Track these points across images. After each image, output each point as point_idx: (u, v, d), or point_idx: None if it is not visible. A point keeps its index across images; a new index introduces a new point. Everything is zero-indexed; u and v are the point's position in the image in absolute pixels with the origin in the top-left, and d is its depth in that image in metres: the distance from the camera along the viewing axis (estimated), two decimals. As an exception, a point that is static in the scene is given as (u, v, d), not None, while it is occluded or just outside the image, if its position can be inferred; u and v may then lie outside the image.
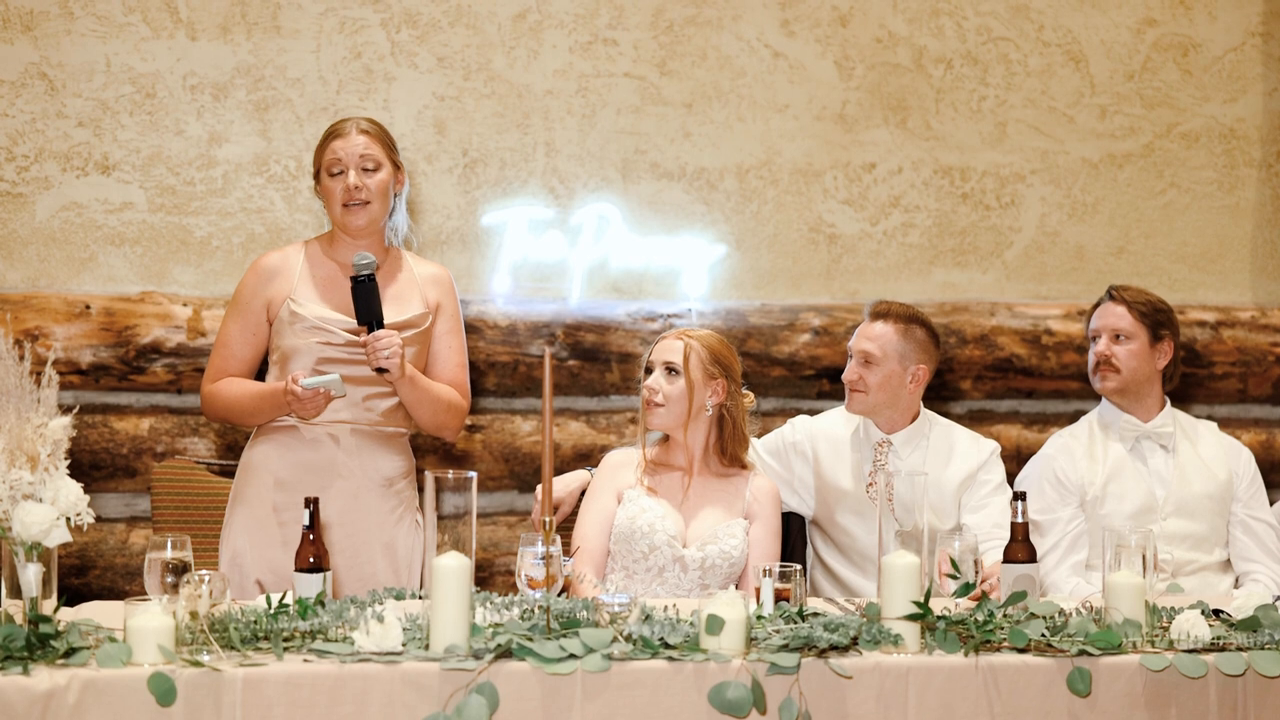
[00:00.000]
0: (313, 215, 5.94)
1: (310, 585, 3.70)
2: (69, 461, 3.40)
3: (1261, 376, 6.58)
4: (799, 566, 3.83)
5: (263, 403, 4.40)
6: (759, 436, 5.05)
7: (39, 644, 3.21)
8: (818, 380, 6.26)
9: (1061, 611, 3.74)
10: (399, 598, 3.78)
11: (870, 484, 4.92)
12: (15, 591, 3.33)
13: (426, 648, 3.34)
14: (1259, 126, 6.66)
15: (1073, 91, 6.52)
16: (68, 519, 3.32)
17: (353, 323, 4.39)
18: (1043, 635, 3.58)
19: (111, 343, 5.80)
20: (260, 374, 4.56)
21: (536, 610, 3.52)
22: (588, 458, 5.89)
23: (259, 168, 5.98)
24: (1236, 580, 5.05)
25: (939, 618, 3.59)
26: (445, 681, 3.28)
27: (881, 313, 4.97)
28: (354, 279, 4.35)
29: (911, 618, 3.54)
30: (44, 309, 5.78)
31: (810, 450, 5.04)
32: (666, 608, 3.63)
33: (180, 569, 3.48)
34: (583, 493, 4.78)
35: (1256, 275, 6.67)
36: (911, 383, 4.94)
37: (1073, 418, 5.44)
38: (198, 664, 3.23)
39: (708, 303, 6.22)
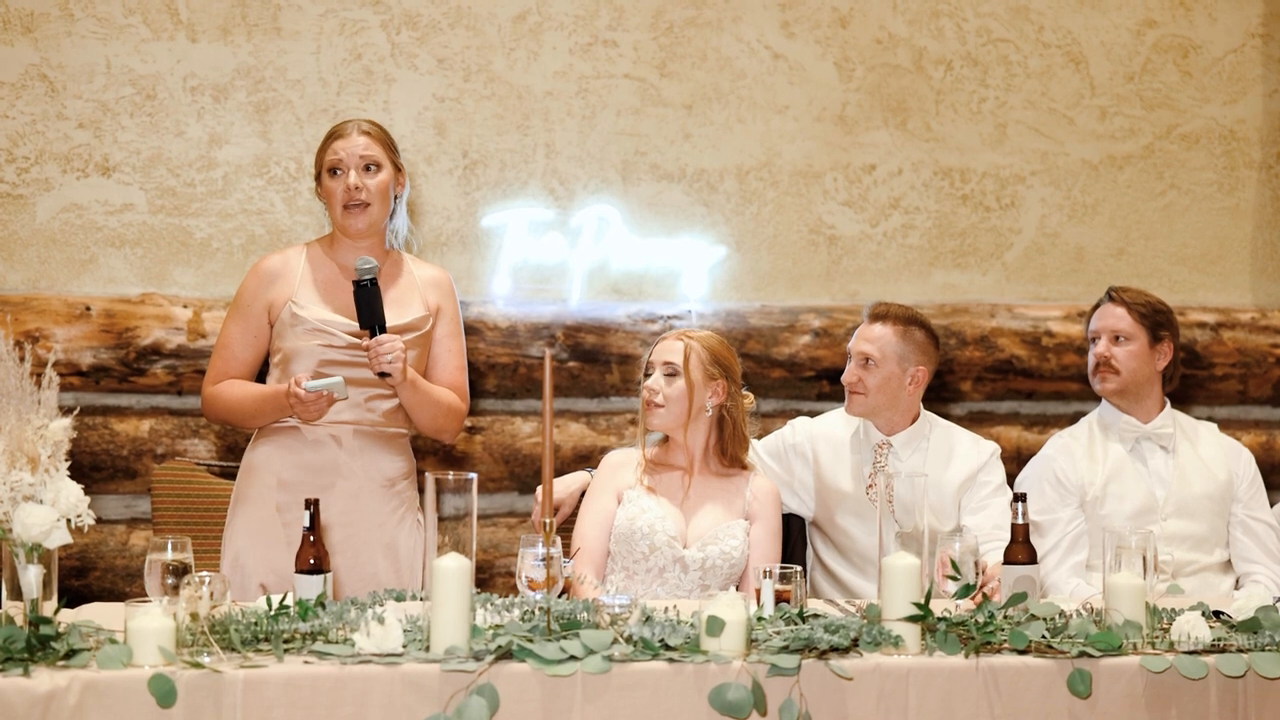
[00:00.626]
0: (313, 217, 5.94)
1: (311, 587, 3.70)
2: (69, 463, 3.40)
3: (1261, 378, 6.58)
4: (799, 568, 3.83)
5: (264, 405, 4.41)
6: (759, 438, 5.05)
7: (39, 645, 3.21)
8: (818, 382, 6.26)
9: (1062, 613, 3.74)
10: (399, 599, 3.78)
11: (870, 485, 4.92)
12: (16, 593, 3.33)
13: (427, 649, 3.34)
14: (1259, 128, 6.66)
15: (1073, 93, 6.52)
16: (68, 520, 3.32)
17: (354, 325, 4.40)
18: (1043, 637, 3.58)
19: (112, 344, 5.80)
20: (261, 376, 4.56)
21: (537, 611, 3.52)
22: (588, 459, 5.89)
23: (259, 169, 5.98)
24: (1237, 581, 5.05)
25: (939, 619, 3.59)
26: (445, 683, 3.28)
27: (880, 314, 4.97)
28: (356, 283, 4.34)
29: (912, 619, 3.54)
30: (44, 310, 5.78)
31: (810, 452, 5.04)
32: (667, 609, 3.63)
33: (181, 570, 3.48)
34: (583, 494, 4.78)
35: (1256, 276, 6.68)
36: (911, 384, 4.94)
37: (1073, 419, 5.44)
38: (198, 665, 3.23)
39: (708, 304, 6.22)
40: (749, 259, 6.31)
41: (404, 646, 3.34)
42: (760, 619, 3.63)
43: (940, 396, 6.21)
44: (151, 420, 5.88)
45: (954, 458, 4.98)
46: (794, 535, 4.99)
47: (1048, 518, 4.97)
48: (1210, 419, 5.54)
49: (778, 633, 3.52)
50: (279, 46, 5.99)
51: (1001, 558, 4.05)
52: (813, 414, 5.25)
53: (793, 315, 6.26)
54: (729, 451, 4.66)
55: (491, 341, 6.04)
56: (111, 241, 5.91)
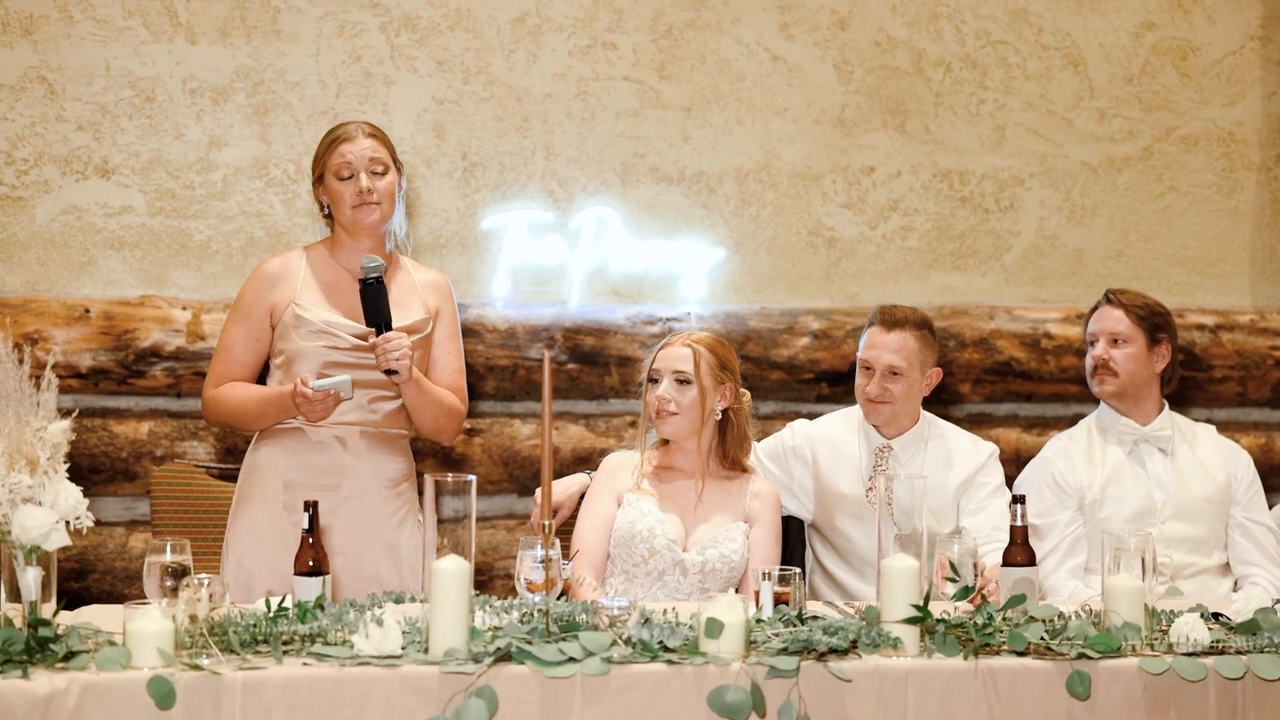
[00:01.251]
0: (312, 219, 5.94)
1: (309, 588, 3.70)
2: (68, 465, 3.40)
3: (1260, 380, 6.58)
4: (798, 570, 3.83)
5: (268, 406, 4.41)
6: (758, 440, 5.05)
7: (38, 647, 3.21)
8: (816, 384, 6.26)
9: (1061, 615, 3.74)
10: (398, 601, 3.78)
11: (870, 489, 4.92)
12: (15, 595, 3.33)
13: (426, 651, 3.34)
14: (1258, 130, 6.66)
15: (1071, 95, 6.53)
16: (67, 522, 3.32)
17: (358, 326, 4.40)
18: (1042, 638, 3.58)
19: (111, 346, 5.80)
20: (260, 379, 4.56)
21: (536, 613, 3.52)
22: (587, 461, 5.89)
23: (258, 171, 5.98)
24: (1235, 583, 5.05)
25: (938, 621, 3.60)
26: (444, 685, 3.28)
27: (898, 321, 4.92)
28: (363, 281, 4.35)
29: (911, 621, 3.54)
30: (43, 313, 5.78)
31: (810, 454, 5.04)
32: (666, 611, 3.64)
33: (180, 572, 3.48)
34: (582, 496, 4.78)
35: (1255, 278, 6.68)
36: (926, 387, 4.96)
37: (1072, 421, 5.44)
38: (197, 667, 3.23)
39: (707, 306, 6.22)
40: (748, 261, 6.31)
41: (403, 648, 3.34)
42: (759, 621, 3.63)
43: (939, 398, 6.20)
44: (151, 422, 5.88)
45: (953, 459, 4.99)
46: (793, 537, 4.99)
47: (1046, 520, 4.97)
48: (1209, 421, 5.54)
49: (776, 635, 3.52)
50: (278, 49, 5.99)
51: (1000, 559, 4.05)
52: (811, 416, 5.25)
53: (792, 317, 6.27)
54: (730, 455, 4.66)
55: (490, 343, 6.04)
56: (111, 244, 5.91)
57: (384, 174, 4.49)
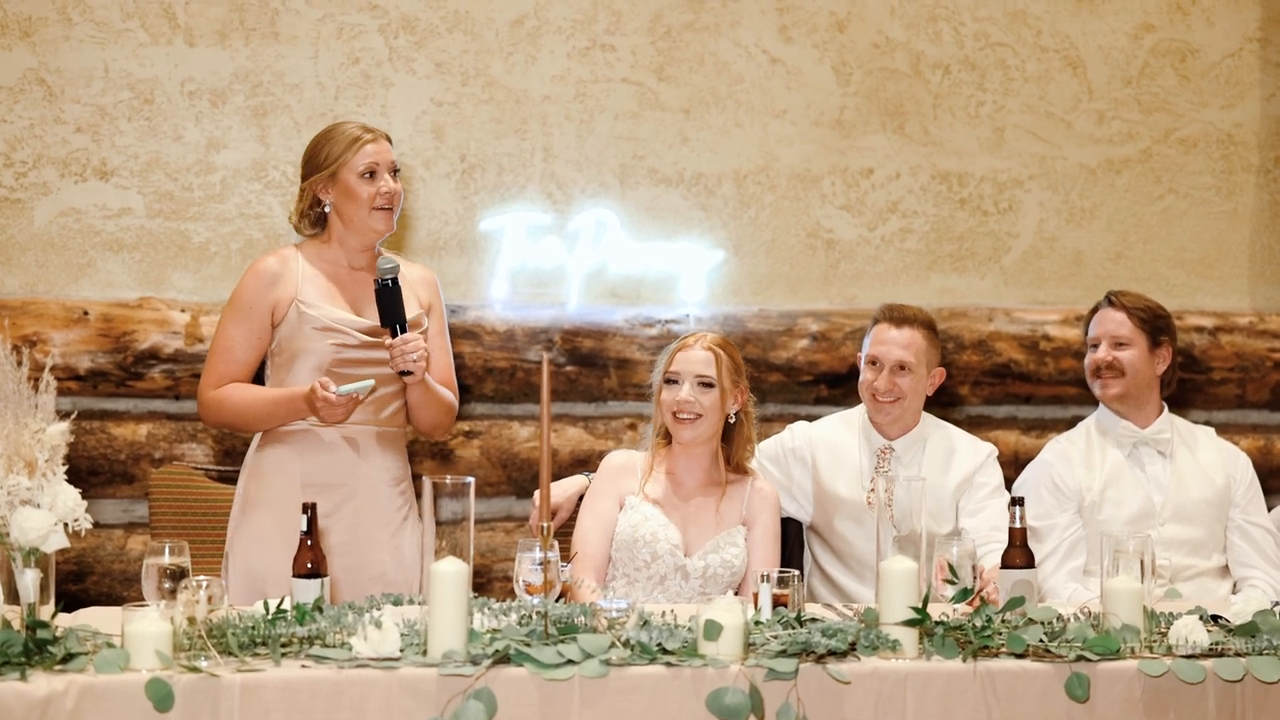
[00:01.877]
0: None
1: (308, 590, 3.70)
2: (67, 467, 3.39)
3: (1259, 382, 6.58)
4: (796, 572, 3.83)
5: (278, 408, 4.39)
6: (757, 442, 5.04)
7: (37, 650, 3.21)
8: (815, 386, 6.26)
9: (1060, 617, 3.74)
10: (396, 603, 3.78)
11: (870, 492, 4.91)
12: (13, 597, 3.33)
13: (424, 653, 3.34)
14: (1257, 132, 6.66)
15: (1070, 97, 6.52)
16: (65, 525, 3.32)
17: (365, 322, 4.41)
18: (1041, 640, 3.58)
19: (109, 349, 5.80)
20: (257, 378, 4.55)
21: (534, 616, 3.52)
22: (585, 463, 5.89)
23: (257, 173, 5.98)
24: (1234, 586, 5.05)
25: (937, 623, 3.60)
26: (443, 687, 3.28)
27: (907, 318, 4.93)
28: (379, 282, 4.35)
29: (910, 623, 3.54)
30: (42, 315, 5.78)
31: (809, 457, 5.04)
32: (664, 613, 3.64)
33: (178, 574, 3.48)
34: (580, 498, 4.78)
35: (1254, 281, 6.68)
36: (931, 387, 4.96)
37: (1071, 423, 5.44)
38: (195, 670, 3.22)
39: (705, 308, 6.22)
40: (747, 263, 6.31)
41: (401, 650, 3.34)
42: (758, 623, 3.64)
43: (939, 400, 6.18)
44: (149, 425, 5.88)
45: (952, 460, 4.99)
46: (791, 539, 4.99)
47: (1045, 523, 4.96)
48: (1208, 423, 5.54)
49: (775, 637, 3.52)
50: (276, 51, 5.99)
51: (999, 560, 4.05)
52: (810, 418, 5.25)
53: (790, 319, 6.27)
54: (734, 459, 4.67)
55: (489, 345, 6.04)
56: (109, 245, 5.91)
57: (397, 176, 4.50)
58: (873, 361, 4.93)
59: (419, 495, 4.54)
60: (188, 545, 3.56)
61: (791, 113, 6.33)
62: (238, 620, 3.42)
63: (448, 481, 3.56)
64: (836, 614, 4.01)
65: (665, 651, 3.41)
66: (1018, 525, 4.03)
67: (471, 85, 6.12)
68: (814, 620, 3.65)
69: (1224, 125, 6.64)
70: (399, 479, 4.56)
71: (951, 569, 3.87)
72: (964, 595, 3.79)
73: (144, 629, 3.23)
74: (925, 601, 3.57)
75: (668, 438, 4.67)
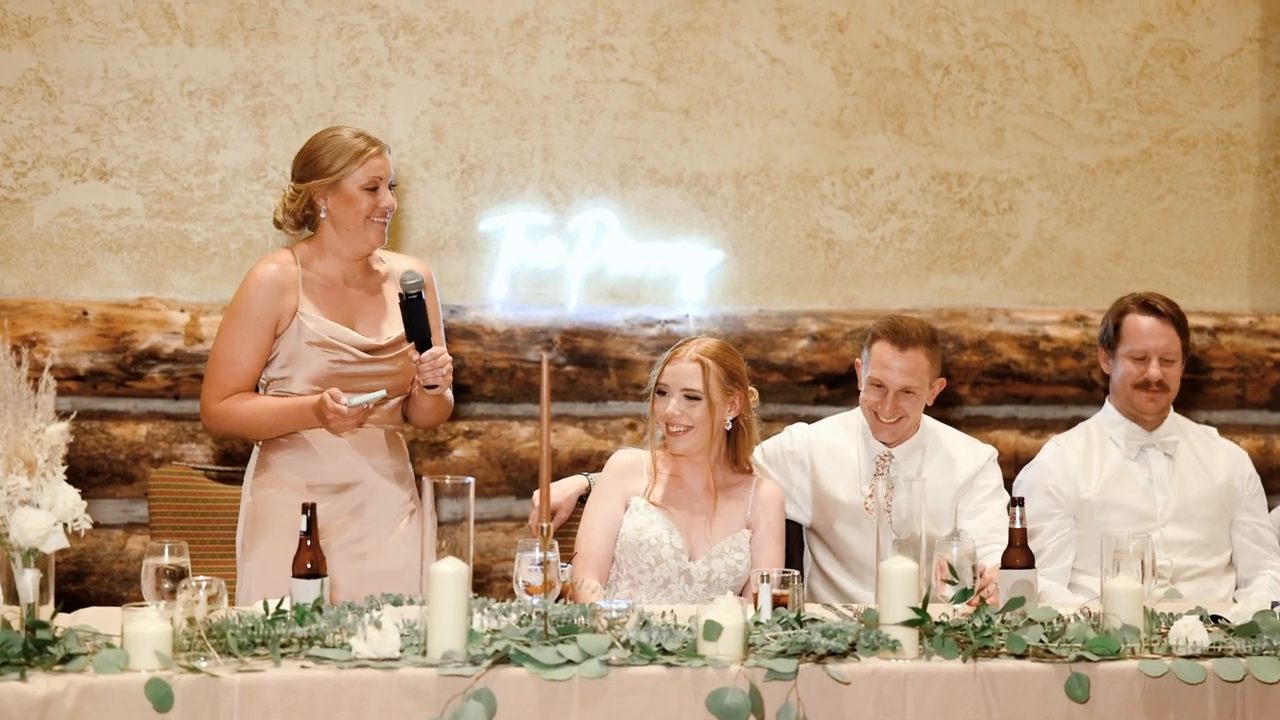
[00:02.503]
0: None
1: (308, 591, 3.70)
2: (66, 467, 3.39)
3: (1259, 382, 6.58)
4: (796, 572, 3.83)
5: (286, 418, 4.39)
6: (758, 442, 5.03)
7: (36, 650, 3.21)
8: (815, 386, 6.26)
9: (1059, 617, 3.74)
10: (396, 603, 3.77)
11: (869, 496, 4.91)
12: (12, 597, 3.33)
13: (424, 654, 3.34)
14: (1257, 132, 6.66)
15: (1070, 97, 6.52)
16: (65, 525, 3.32)
17: (363, 339, 4.42)
18: (1041, 641, 3.58)
19: (109, 349, 5.80)
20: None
21: (534, 616, 3.51)
22: (585, 463, 5.89)
23: (257, 174, 5.98)
24: (1236, 585, 5.05)
25: (937, 624, 3.59)
26: (443, 688, 3.28)
27: (910, 340, 4.86)
28: (404, 296, 4.34)
29: (910, 624, 3.54)
30: (41, 315, 5.78)
31: (808, 459, 5.03)
32: (664, 613, 3.63)
33: (178, 575, 3.48)
34: (580, 498, 4.78)
35: (1254, 281, 6.68)
36: (931, 396, 4.96)
37: (1070, 423, 5.44)
38: (195, 670, 3.22)
39: (705, 309, 6.22)
40: (746, 263, 6.31)
41: (401, 651, 3.34)
42: (758, 623, 3.64)
43: (938, 402, 6.19)
44: (149, 425, 5.88)
45: (952, 463, 4.99)
46: (791, 540, 4.99)
47: (1033, 525, 4.96)
48: (1208, 423, 5.54)
49: (775, 637, 3.51)
50: (276, 51, 5.98)
51: (999, 561, 4.05)
52: (810, 418, 5.25)
53: (790, 320, 6.26)
54: (740, 458, 4.65)
55: (489, 346, 6.04)
56: (109, 246, 5.90)
57: (393, 191, 4.50)
58: (877, 384, 4.90)
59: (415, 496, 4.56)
60: (187, 545, 3.56)
61: (791, 113, 6.32)
62: (237, 620, 3.42)
63: (448, 482, 3.56)
64: (836, 614, 4.01)
65: (665, 652, 3.41)
66: (1018, 526, 4.03)
67: (471, 85, 6.12)
68: (814, 621, 3.65)
69: (1224, 125, 6.64)
70: (403, 475, 4.58)
71: (951, 569, 3.87)
72: (964, 596, 3.79)
73: (143, 629, 3.23)
74: (925, 602, 3.57)
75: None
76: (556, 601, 3.62)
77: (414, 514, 4.58)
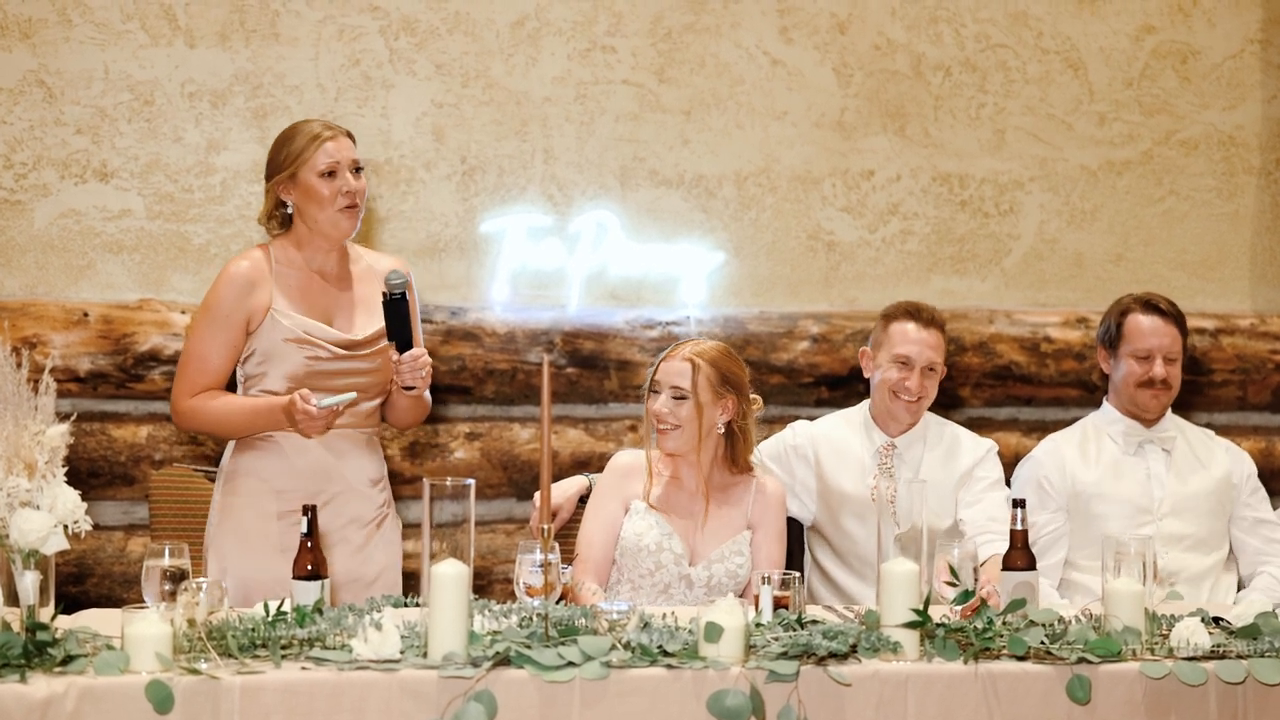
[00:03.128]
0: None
1: (308, 593, 3.70)
2: (66, 469, 3.40)
3: (1261, 384, 6.58)
4: (798, 574, 3.83)
5: (256, 418, 4.36)
6: (759, 442, 5.03)
7: (36, 652, 3.21)
8: (816, 388, 6.26)
9: (1061, 619, 3.74)
10: (397, 605, 3.77)
11: (874, 487, 4.92)
12: (12, 599, 3.33)
13: (424, 655, 3.34)
14: (1258, 134, 6.66)
15: (1071, 99, 6.52)
16: (65, 526, 3.32)
17: (338, 335, 4.38)
18: (1042, 643, 3.58)
19: (109, 350, 5.80)
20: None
21: (535, 618, 3.51)
22: (586, 465, 5.89)
23: (257, 175, 5.97)
24: (1239, 582, 5.06)
25: (938, 625, 3.60)
26: (443, 689, 3.28)
27: (934, 320, 4.99)
28: (387, 296, 4.31)
29: (911, 625, 3.54)
30: (42, 316, 5.78)
31: (812, 454, 5.05)
32: (665, 615, 3.63)
33: (178, 576, 3.48)
34: (581, 499, 4.78)
35: (1256, 283, 6.67)
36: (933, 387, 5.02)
37: (1071, 425, 5.44)
38: (195, 672, 3.22)
39: (706, 310, 6.22)
40: (747, 265, 6.31)
41: (401, 653, 3.34)
42: (758, 625, 3.64)
43: (939, 402, 6.18)
44: (149, 426, 5.88)
45: (952, 455, 5.02)
46: (791, 542, 4.99)
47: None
48: (1209, 425, 5.55)
49: (776, 639, 3.52)
50: (277, 52, 5.98)
51: (995, 550, 4.06)
52: (811, 420, 5.25)
53: (791, 321, 6.26)
54: (739, 460, 4.64)
55: (490, 347, 6.04)
56: (109, 247, 5.90)
57: (361, 175, 4.44)
58: (903, 362, 4.94)
59: (397, 496, 4.54)
60: (188, 547, 3.56)
61: (792, 114, 6.32)
62: (238, 622, 3.42)
63: (448, 483, 3.55)
64: (837, 616, 4.01)
65: (666, 653, 3.41)
66: (1019, 527, 4.03)
67: (472, 87, 6.12)
68: (815, 622, 3.66)
69: (1225, 127, 6.64)
70: (377, 479, 4.54)
71: (953, 571, 3.87)
72: (965, 597, 3.79)
73: (144, 631, 3.23)
74: (926, 603, 3.57)
75: None
76: (557, 603, 3.62)
77: (387, 520, 4.56)
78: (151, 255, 5.93)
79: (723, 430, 4.59)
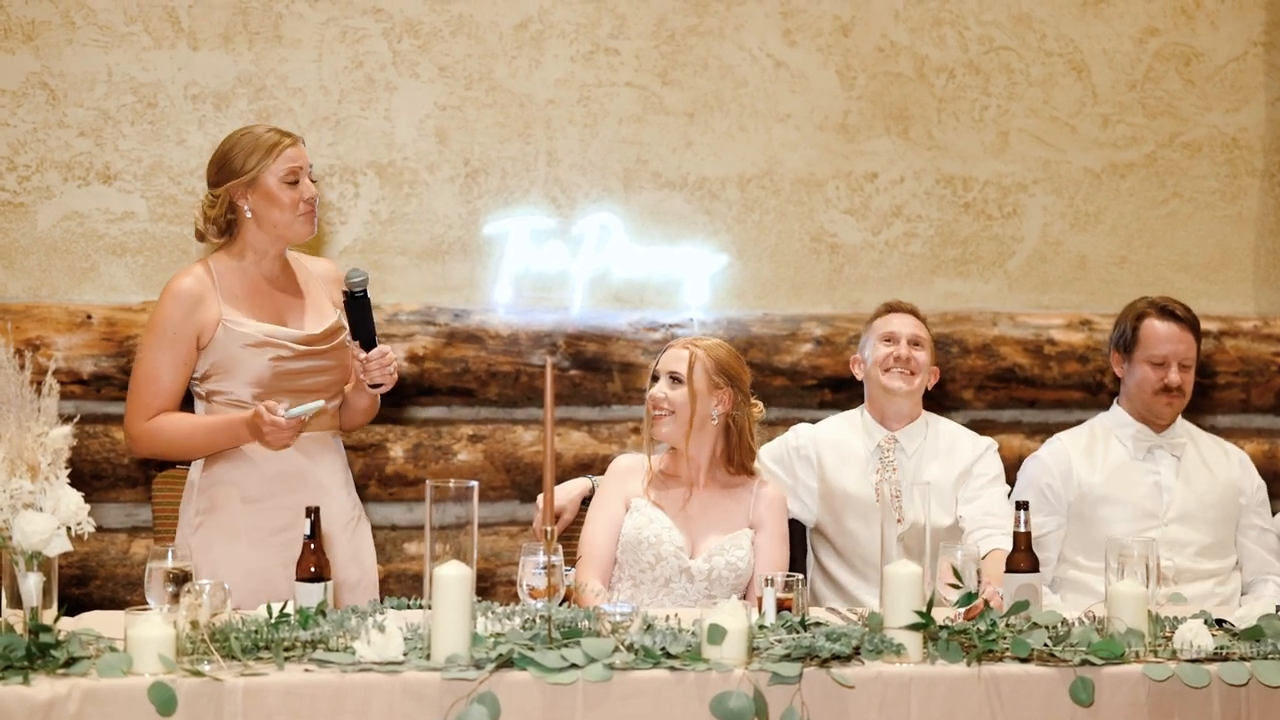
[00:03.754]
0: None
1: (311, 595, 3.70)
2: (70, 471, 3.40)
3: (1264, 386, 6.57)
4: (801, 576, 3.84)
5: (217, 436, 4.30)
6: (761, 445, 5.03)
7: (39, 653, 3.21)
8: (820, 390, 6.26)
9: (1064, 621, 3.74)
10: (399, 607, 3.77)
11: (880, 481, 4.93)
12: (16, 601, 3.33)
13: (428, 657, 3.34)
14: (1261, 136, 6.66)
15: (1075, 101, 6.52)
16: (68, 528, 3.32)
17: (296, 332, 4.35)
18: (1045, 645, 3.58)
19: (113, 353, 5.80)
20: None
21: (538, 620, 3.51)
22: (589, 467, 5.88)
23: (260, 177, 5.98)
24: (1243, 588, 5.05)
25: (941, 627, 3.59)
26: (446, 691, 3.28)
27: (912, 309, 5.15)
28: (349, 294, 4.30)
29: (914, 627, 3.54)
30: (45, 319, 5.78)
31: (814, 455, 5.06)
32: (668, 617, 3.63)
33: (181, 579, 3.48)
34: (584, 501, 4.78)
35: (1259, 285, 6.67)
36: (930, 381, 5.04)
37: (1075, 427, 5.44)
38: (198, 674, 3.22)
39: (709, 313, 6.22)
40: (751, 267, 6.31)
41: (405, 654, 3.34)
42: (762, 627, 3.64)
43: (942, 405, 6.20)
44: (153, 428, 5.88)
45: (953, 450, 5.06)
46: (794, 544, 4.99)
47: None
48: (1212, 427, 5.56)
49: (779, 641, 3.52)
50: (280, 55, 5.98)
51: (995, 544, 4.06)
52: (814, 422, 5.26)
53: (794, 323, 6.26)
54: (736, 460, 4.65)
55: (493, 350, 6.04)
56: (113, 250, 5.90)
57: (313, 182, 4.42)
58: (888, 339, 5.05)
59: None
60: (201, 547, 3.56)
61: (795, 117, 6.32)
62: (241, 624, 3.42)
63: (451, 485, 3.55)
64: (841, 618, 4.01)
65: (669, 655, 3.41)
66: (1022, 529, 4.03)
67: (475, 89, 6.12)
68: (818, 624, 3.66)
69: (1229, 129, 6.64)
70: (346, 481, 4.53)
71: (956, 573, 3.87)
72: (968, 599, 3.79)
73: (147, 633, 3.23)
74: (929, 605, 3.57)
75: None
76: (560, 605, 3.62)
77: (361, 522, 4.55)
78: (154, 258, 5.93)
79: (718, 422, 4.60)
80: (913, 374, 5.01)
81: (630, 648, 3.44)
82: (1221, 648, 3.65)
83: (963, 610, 3.76)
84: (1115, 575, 3.76)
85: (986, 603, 3.85)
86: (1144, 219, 6.59)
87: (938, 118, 6.43)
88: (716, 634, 3.40)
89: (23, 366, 3.38)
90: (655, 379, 4.65)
